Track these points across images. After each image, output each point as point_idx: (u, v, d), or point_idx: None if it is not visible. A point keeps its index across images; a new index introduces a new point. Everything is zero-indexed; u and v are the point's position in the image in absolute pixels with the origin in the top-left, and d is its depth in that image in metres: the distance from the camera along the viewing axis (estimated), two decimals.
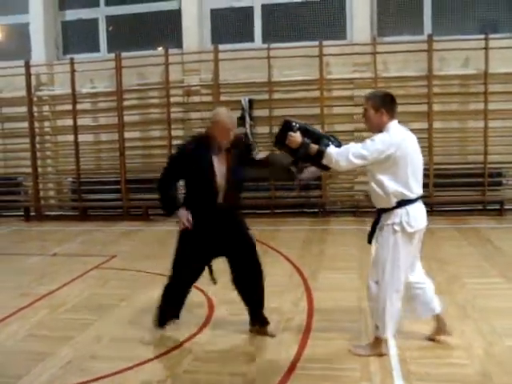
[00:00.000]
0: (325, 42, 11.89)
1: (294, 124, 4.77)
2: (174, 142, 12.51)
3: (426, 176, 11.28)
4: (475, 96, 11.71)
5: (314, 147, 4.66)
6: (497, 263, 7.76)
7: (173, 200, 5.18)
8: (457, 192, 11.88)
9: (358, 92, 12.05)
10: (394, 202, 4.62)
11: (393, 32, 12.42)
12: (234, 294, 6.62)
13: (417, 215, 4.69)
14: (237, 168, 5.11)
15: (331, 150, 4.59)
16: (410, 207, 4.65)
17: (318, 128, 5.44)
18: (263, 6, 12.75)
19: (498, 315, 5.59)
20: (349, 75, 12.15)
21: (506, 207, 11.76)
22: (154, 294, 6.78)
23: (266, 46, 12.15)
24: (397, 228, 4.61)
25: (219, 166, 5.02)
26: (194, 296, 6.62)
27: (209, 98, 12.53)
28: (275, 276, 7.43)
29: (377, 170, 4.64)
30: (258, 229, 10.74)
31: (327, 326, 5.58)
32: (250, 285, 5.38)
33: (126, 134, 12.72)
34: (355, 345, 4.97)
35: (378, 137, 4.57)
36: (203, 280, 7.16)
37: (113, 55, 12.64)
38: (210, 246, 5.21)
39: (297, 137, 4.69)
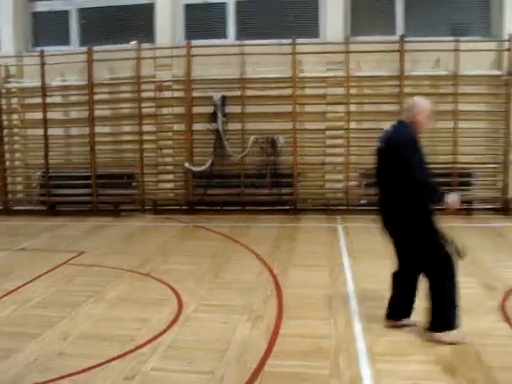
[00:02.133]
0: (298, 40, 11.89)
1: None
2: (145, 138, 12.47)
3: None
4: (445, 97, 11.84)
5: None
6: (464, 262, 7.82)
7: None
8: None
9: (330, 90, 12.11)
10: None
11: (366, 32, 12.47)
12: (204, 292, 6.63)
13: None
14: None
15: None
16: None
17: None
18: (237, 3, 12.72)
19: (465, 312, 5.63)
20: (322, 74, 12.18)
21: (475, 207, 11.92)
22: (122, 289, 6.78)
23: (239, 42, 12.13)
24: None
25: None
26: (163, 293, 6.62)
27: (181, 94, 12.48)
28: (245, 273, 7.46)
29: None
30: (228, 225, 10.80)
31: (297, 324, 5.58)
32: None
33: (97, 129, 12.61)
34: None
35: None
36: (173, 277, 7.19)
37: (84, 48, 12.52)
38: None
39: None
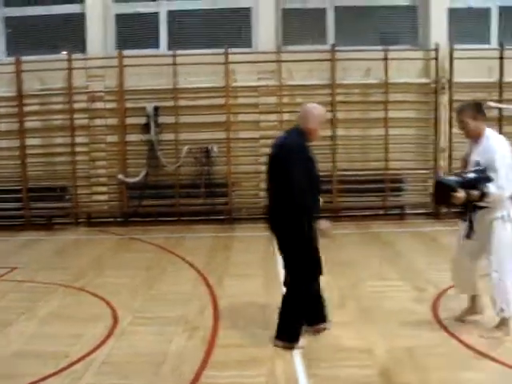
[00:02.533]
0: (231, 50, 11.94)
1: (452, 184, 5.10)
2: (78, 149, 12.27)
3: (329, 182, 11.65)
4: (376, 105, 12.09)
5: (477, 194, 5.07)
6: (397, 266, 8.03)
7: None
8: (359, 198, 12.22)
9: (263, 99, 12.20)
10: (506, 197, 5.21)
11: (297, 41, 12.62)
12: (139, 304, 6.59)
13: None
14: None
15: (492, 190, 5.05)
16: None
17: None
18: (169, 13, 12.66)
19: (398, 316, 5.77)
20: (254, 83, 12.25)
21: (406, 212, 12.20)
22: (55, 305, 6.66)
23: (171, 52, 12.08)
24: (507, 219, 5.24)
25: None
26: (97, 307, 6.54)
27: (113, 105, 12.33)
28: (180, 284, 7.44)
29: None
30: (163, 236, 10.74)
31: (233, 334, 5.60)
32: None
33: (28, 141, 12.33)
34: (487, 334, 5.35)
35: (498, 156, 5.12)
36: (107, 291, 7.10)
37: (13, 59, 12.22)
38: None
39: (461, 196, 5.04)
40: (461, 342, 5.23)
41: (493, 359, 4.81)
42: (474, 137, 5.38)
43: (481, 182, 5.09)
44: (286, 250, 5.21)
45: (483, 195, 5.07)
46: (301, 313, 5.19)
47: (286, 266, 5.26)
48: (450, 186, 5.12)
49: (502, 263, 5.23)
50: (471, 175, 5.19)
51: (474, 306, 5.73)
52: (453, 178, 5.34)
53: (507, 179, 5.09)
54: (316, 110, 5.30)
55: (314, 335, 5.42)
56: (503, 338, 5.27)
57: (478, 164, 5.25)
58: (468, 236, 5.36)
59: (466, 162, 5.55)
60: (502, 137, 5.43)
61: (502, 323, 5.37)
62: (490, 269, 5.29)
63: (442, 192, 5.21)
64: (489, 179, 5.09)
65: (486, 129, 5.37)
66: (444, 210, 5.35)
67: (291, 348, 5.07)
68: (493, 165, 5.11)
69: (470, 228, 5.34)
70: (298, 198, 4.92)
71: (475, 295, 5.69)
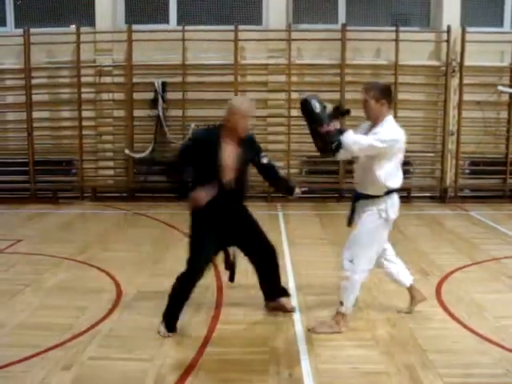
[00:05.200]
0: (240, 27, 11.86)
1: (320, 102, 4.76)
2: (85, 124, 12.24)
3: (335, 163, 11.60)
4: None
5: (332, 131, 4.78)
6: (402, 249, 8.00)
7: (186, 183, 5.22)
8: None
9: (272, 78, 12.14)
10: (384, 190, 4.95)
11: (308, 20, 12.53)
12: (143, 279, 6.61)
13: (397, 204, 5.07)
14: (245, 156, 5.22)
15: (346, 139, 4.78)
16: (394, 196, 5.04)
17: None
18: None
19: (402, 297, 5.76)
20: (263, 61, 12.19)
21: (413, 195, 12.17)
22: (60, 278, 6.68)
23: (180, 28, 12.00)
24: (382, 214, 4.96)
25: (229, 153, 5.11)
26: (102, 281, 6.56)
27: (121, 79, 12.30)
28: (185, 260, 7.40)
29: (378, 159, 4.90)
30: (168, 212, 10.73)
31: (236, 311, 5.62)
32: (266, 263, 5.52)
33: (35, 114, 12.30)
34: (316, 324, 5.19)
35: (388, 129, 4.89)
36: (112, 265, 7.12)
37: (21, 31, 12.14)
38: (221, 230, 5.21)
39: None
40: (464, 326, 5.24)
41: (497, 344, 4.80)
42: (373, 119, 5.02)
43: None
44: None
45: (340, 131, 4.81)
46: (178, 301, 5.18)
47: None
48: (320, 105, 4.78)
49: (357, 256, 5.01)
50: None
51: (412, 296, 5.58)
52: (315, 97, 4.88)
53: (377, 140, 4.76)
54: (239, 103, 5.33)
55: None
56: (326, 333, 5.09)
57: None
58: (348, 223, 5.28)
59: None
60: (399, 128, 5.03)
61: (337, 317, 5.16)
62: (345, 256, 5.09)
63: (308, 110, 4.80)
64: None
65: (388, 115, 5.01)
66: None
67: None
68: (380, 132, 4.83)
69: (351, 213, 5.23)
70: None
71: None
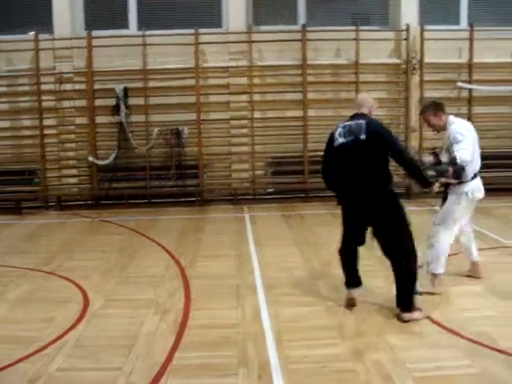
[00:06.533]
0: (201, 30, 11.84)
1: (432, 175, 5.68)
2: (47, 132, 12.10)
3: (301, 163, 11.67)
4: (347, 85, 12.08)
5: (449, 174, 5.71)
6: (369, 246, 8.05)
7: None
8: None
9: (233, 80, 12.13)
10: (470, 176, 5.88)
11: (268, 21, 12.55)
12: (110, 287, 6.55)
13: (480, 187, 6.05)
14: None
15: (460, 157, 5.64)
16: (476, 180, 6.01)
17: None
18: None
19: (369, 296, 5.80)
20: (225, 63, 12.18)
21: None
22: (25, 289, 6.58)
23: (141, 33, 11.94)
24: (468, 195, 5.93)
25: None
26: (68, 291, 6.48)
27: (82, 86, 12.17)
28: (152, 267, 7.41)
29: None
30: (134, 219, 10.67)
31: (204, 315, 5.59)
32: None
33: None
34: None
35: (456, 130, 5.81)
36: (79, 274, 7.04)
37: None
38: None
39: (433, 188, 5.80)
40: (431, 319, 5.29)
41: (463, 336, 4.86)
42: (441, 129, 6.10)
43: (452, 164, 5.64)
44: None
45: (459, 169, 5.64)
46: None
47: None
48: (431, 176, 5.61)
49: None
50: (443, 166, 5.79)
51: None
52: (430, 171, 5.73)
53: (465, 147, 5.66)
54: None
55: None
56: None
57: (446, 148, 5.95)
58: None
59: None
60: (464, 120, 6.14)
61: (432, 279, 6.07)
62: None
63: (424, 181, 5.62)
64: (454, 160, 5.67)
65: (448, 118, 6.02)
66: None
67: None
68: (455, 138, 5.73)
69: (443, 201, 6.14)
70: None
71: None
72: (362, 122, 5.50)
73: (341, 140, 5.52)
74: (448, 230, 6.01)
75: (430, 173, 5.63)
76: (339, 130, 5.62)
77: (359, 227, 5.60)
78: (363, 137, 5.38)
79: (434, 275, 6.05)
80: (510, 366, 4.33)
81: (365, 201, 5.40)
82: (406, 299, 5.33)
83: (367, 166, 5.38)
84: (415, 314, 5.29)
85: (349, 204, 5.59)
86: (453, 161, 5.64)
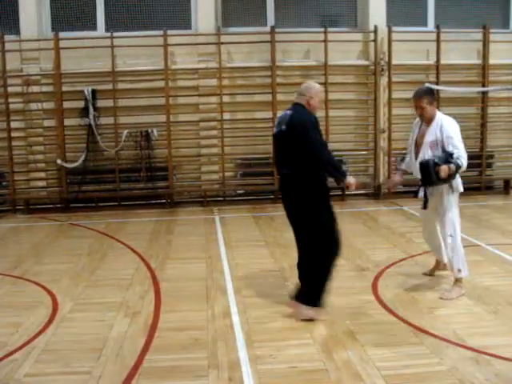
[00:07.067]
0: (169, 32, 11.79)
1: (434, 161, 5.59)
2: (14, 134, 11.96)
3: (268, 164, 11.69)
4: None
5: (453, 167, 5.61)
6: None
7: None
8: None
9: (203, 82, 12.12)
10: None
11: (237, 23, 12.55)
12: (79, 290, 6.50)
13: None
14: None
15: (464, 162, 5.70)
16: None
17: None
18: None
19: (339, 295, 5.85)
20: (194, 65, 12.15)
21: (347, 192, 12.32)
22: None
23: (108, 34, 11.85)
24: (459, 189, 6.03)
25: None
26: (37, 295, 6.41)
27: (50, 88, 12.05)
28: (122, 269, 7.38)
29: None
30: (104, 222, 10.60)
31: (174, 317, 5.59)
32: None
33: None
34: (444, 293, 5.98)
35: (452, 131, 5.77)
36: (47, 278, 6.98)
37: None
38: None
39: (446, 168, 5.54)
40: (400, 318, 5.35)
41: (431, 334, 4.93)
42: (429, 120, 5.93)
43: (451, 158, 5.63)
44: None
45: (458, 168, 5.63)
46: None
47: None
48: (435, 163, 5.56)
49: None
50: (441, 153, 5.74)
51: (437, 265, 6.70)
52: (431, 156, 5.78)
53: (464, 152, 5.69)
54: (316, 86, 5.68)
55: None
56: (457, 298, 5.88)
57: (433, 143, 5.85)
58: (424, 207, 6.07)
59: (416, 142, 6.11)
60: (450, 117, 5.98)
61: (459, 283, 6.01)
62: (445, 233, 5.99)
63: (428, 171, 5.60)
64: (452, 155, 5.65)
65: (437, 112, 5.95)
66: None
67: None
68: (452, 142, 5.70)
69: (426, 200, 6.01)
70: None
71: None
72: (289, 112, 5.46)
73: (275, 129, 5.57)
74: (457, 231, 5.98)
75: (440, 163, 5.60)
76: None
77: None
78: (284, 128, 5.39)
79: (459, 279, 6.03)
80: (478, 362, 4.39)
81: (282, 192, 5.59)
82: (310, 294, 5.41)
83: (285, 158, 5.41)
84: (311, 312, 5.35)
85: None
86: (449, 159, 5.64)
